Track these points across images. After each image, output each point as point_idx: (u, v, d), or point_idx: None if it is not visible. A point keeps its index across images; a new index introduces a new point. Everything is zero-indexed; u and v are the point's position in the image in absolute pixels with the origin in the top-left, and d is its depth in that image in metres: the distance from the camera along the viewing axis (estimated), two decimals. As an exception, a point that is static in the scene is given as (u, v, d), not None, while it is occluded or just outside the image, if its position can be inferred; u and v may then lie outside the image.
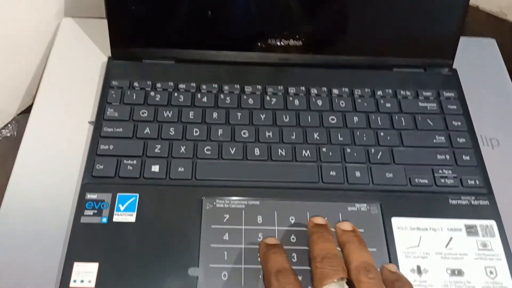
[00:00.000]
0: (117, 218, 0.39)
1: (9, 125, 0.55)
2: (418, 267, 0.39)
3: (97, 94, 0.47)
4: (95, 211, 0.39)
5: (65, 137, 0.45)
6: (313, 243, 0.37)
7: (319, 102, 0.47)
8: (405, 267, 0.39)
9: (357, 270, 0.35)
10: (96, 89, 0.48)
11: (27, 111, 0.55)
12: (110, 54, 0.48)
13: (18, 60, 0.52)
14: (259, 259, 0.38)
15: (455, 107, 0.47)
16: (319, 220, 0.39)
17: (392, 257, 0.39)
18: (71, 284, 0.37)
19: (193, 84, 0.47)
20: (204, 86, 0.47)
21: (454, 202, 0.42)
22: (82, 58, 0.50)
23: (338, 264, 0.35)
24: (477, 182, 0.43)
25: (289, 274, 0.35)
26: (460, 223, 0.41)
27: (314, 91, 0.47)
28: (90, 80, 0.48)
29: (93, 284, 0.37)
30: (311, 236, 0.38)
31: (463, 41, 0.48)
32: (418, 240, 0.40)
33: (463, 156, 0.44)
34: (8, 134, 0.54)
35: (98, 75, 0.49)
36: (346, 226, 0.39)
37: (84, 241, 0.38)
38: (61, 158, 0.44)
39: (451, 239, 0.40)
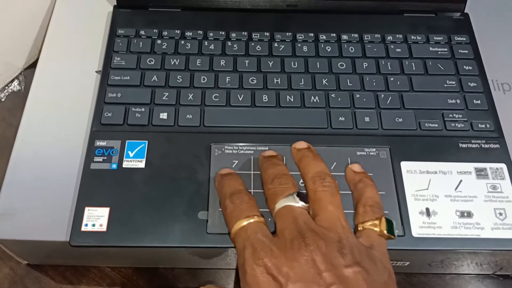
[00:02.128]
0: (126, 164, 0.40)
1: (15, 80, 0.54)
2: (427, 209, 0.39)
3: (104, 44, 0.46)
4: (105, 158, 0.40)
5: (72, 87, 0.45)
6: (263, 170, 0.37)
7: (328, 48, 0.46)
8: (414, 209, 0.39)
9: (312, 180, 0.35)
10: (102, 39, 0.47)
11: (34, 65, 0.55)
12: (115, 3, 0.47)
13: (23, 12, 0.51)
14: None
15: (466, 51, 0.46)
16: (268, 153, 0.39)
17: (400, 199, 0.39)
18: (83, 228, 0.37)
19: (200, 32, 0.46)
20: (211, 34, 0.46)
21: (464, 145, 0.41)
22: (88, 8, 0.49)
23: (288, 182, 0.35)
24: (488, 126, 0.42)
25: (242, 195, 0.35)
26: (470, 166, 0.41)
27: (322, 37, 0.46)
28: (96, 30, 0.48)
29: (104, 227, 0.37)
30: (261, 167, 0.38)
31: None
32: (427, 183, 0.40)
33: (474, 100, 0.44)
34: (16, 89, 0.54)
35: (103, 24, 0.48)
36: (300, 145, 0.39)
37: (94, 186, 0.39)
38: (69, 108, 0.44)
39: (460, 181, 0.40)
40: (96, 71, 0.45)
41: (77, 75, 0.45)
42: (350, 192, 0.38)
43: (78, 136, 0.42)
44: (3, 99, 0.53)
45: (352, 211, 0.37)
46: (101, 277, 0.44)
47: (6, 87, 0.53)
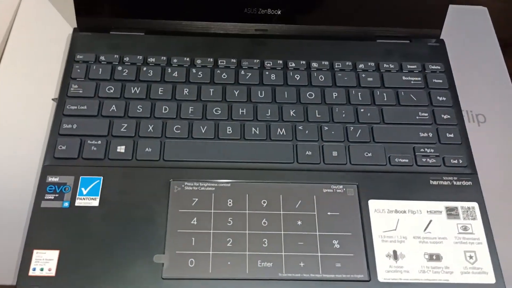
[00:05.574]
0: (79, 202, 0.37)
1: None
2: (395, 252, 0.37)
3: (62, 69, 0.44)
4: (56, 195, 0.38)
5: (27, 116, 0.43)
6: None
7: (297, 77, 0.44)
8: (381, 252, 0.37)
9: None
10: (61, 63, 0.45)
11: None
12: (76, 25, 0.45)
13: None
14: (228, 245, 0.36)
15: (440, 81, 0.45)
16: None
17: (367, 241, 0.37)
18: (30, 272, 0.35)
19: (164, 58, 0.44)
20: (175, 60, 0.44)
21: (435, 182, 0.40)
22: (47, 30, 0.47)
23: None
24: (461, 161, 0.41)
25: None
26: (441, 205, 0.39)
27: (292, 64, 0.45)
28: (55, 54, 0.46)
29: (53, 272, 0.35)
30: None
31: (452, 9, 0.45)
32: (396, 223, 0.38)
33: (447, 134, 0.42)
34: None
35: (63, 48, 0.46)
36: None
37: (44, 227, 0.37)
38: (24, 139, 0.41)
39: (430, 222, 0.38)
40: (52, 99, 0.43)
41: (34, 103, 0.43)
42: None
43: (31, 171, 0.40)
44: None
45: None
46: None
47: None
